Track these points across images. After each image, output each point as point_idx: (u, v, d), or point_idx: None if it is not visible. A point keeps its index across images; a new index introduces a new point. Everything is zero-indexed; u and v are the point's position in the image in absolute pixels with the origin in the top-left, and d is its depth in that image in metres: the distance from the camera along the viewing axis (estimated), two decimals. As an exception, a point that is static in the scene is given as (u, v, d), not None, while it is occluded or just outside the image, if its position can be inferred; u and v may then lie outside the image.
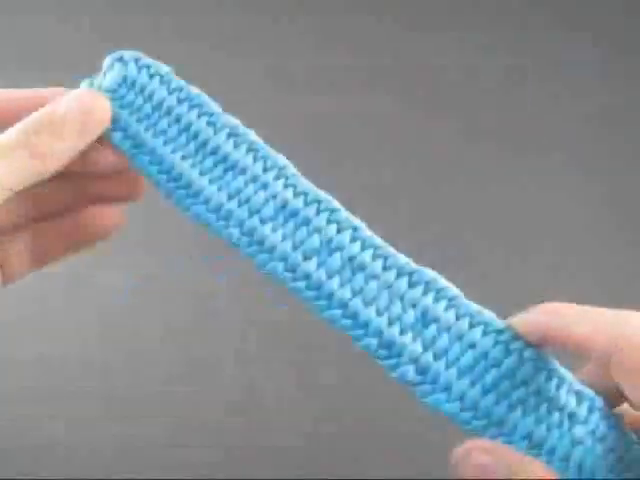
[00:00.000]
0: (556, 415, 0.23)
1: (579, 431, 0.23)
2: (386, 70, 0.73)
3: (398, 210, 0.68)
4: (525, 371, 0.24)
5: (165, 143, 0.27)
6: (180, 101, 0.27)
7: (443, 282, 0.25)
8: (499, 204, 0.70)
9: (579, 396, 0.23)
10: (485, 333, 0.24)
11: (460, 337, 0.24)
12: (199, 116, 0.27)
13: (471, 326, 0.24)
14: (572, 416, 0.23)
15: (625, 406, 0.24)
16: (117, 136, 0.27)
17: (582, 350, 0.22)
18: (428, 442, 0.58)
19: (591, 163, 0.71)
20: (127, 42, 0.29)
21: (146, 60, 0.27)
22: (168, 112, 0.27)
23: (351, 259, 0.25)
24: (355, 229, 0.25)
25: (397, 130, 0.71)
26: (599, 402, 0.23)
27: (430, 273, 0.25)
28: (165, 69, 0.27)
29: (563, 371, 0.24)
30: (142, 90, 0.27)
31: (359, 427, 0.60)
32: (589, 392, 0.23)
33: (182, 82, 0.27)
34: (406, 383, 0.24)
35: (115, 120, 0.27)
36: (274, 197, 0.26)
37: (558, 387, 0.23)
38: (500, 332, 0.24)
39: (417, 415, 0.57)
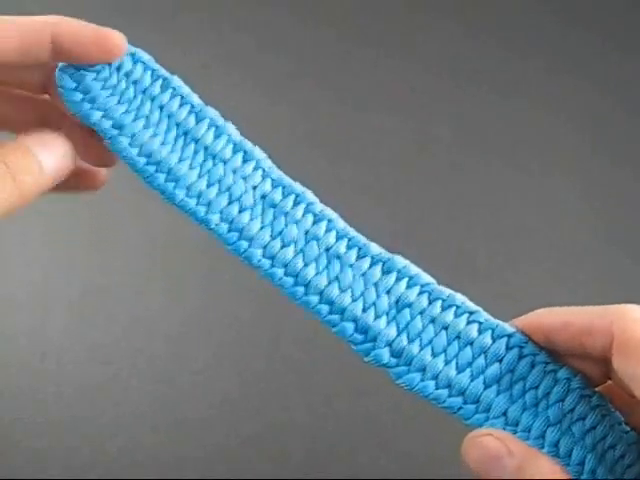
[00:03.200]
0: (531, 394, 0.24)
1: (554, 411, 0.23)
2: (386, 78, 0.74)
3: (398, 212, 0.69)
4: (498, 349, 0.24)
5: (145, 127, 0.27)
6: (163, 89, 0.27)
7: (415, 269, 0.26)
8: (499, 206, 0.70)
9: (554, 375, 0.24)
10: (457, 314, 0.25)
11: (433, 319, 0.25)
12: (181, 105, 0.27)
13: (443, 309, 0.25)
14: (547, 396, 0.24)
15: (610, 384, 0.24)
16: (96, 115, 0.27)
17: (582, 338, 0.22)
18: (427, 442, 0.58)
19: (590, 170, 0.72)
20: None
21: (131, 47, 0.27)
22: (151, 99, 0.27)
23: (327, 249, 0.26)
24: (330, 220, 0.26)
25: (397, 134, 0.72)
26: (578, 382, 0.24)
27: (402, 261, 0.26)
28: (148, 57, 0.27)
29: (538, 349, 0.24)
30: (127, 75, 0.27)
31: (357, 426, 0.60)
32: (566, 371, 0.24)
33: (164, 71, 0.27)
34: (381, 366, 0.25)
35: (95, 99, 0.27)
36: (254, 188, 0.27)
37: (532, 365, 0.24)
38: (472, 313, 0.25)
39: (417, 415, 0.57)
